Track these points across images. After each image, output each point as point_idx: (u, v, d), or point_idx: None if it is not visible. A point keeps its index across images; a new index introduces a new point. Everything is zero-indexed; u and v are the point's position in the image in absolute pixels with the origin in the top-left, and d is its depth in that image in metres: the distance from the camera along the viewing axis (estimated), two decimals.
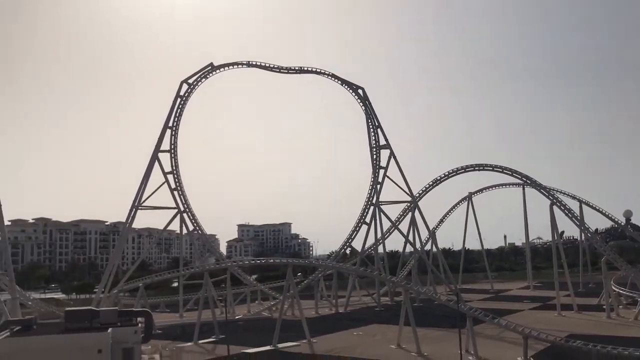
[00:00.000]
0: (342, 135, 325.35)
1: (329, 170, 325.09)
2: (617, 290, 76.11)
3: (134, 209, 80.00)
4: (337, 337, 58.06)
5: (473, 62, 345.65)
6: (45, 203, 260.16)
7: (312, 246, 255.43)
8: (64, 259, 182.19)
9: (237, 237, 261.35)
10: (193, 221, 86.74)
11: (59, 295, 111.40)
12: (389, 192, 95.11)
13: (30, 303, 76.54)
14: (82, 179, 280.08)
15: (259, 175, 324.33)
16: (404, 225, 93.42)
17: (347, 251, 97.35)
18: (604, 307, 70.22)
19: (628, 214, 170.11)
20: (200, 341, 56.00)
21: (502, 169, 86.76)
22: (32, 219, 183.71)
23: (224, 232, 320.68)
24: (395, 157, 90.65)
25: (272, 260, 79.87)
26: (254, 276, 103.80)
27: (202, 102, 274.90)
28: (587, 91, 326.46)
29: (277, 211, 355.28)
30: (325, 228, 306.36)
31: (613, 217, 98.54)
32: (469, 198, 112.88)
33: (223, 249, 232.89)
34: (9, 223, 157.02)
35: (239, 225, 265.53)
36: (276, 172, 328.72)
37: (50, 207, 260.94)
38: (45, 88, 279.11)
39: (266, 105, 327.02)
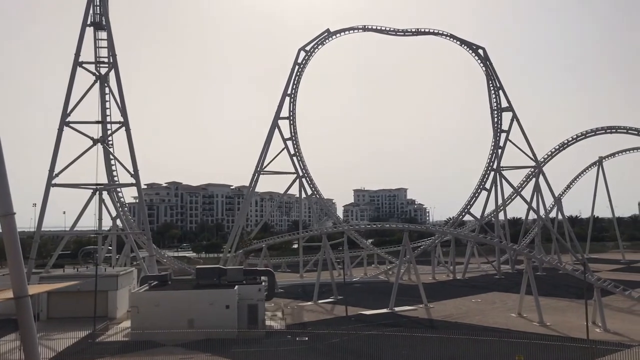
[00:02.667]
0: (461, 98, 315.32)
1: (447, 135, 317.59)
2: None
3: (256, 174, 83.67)
4: (454, 303, 57.62)
5: (603, 19, 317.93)
6: (176, 168, 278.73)
7: (428, 212, 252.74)
8: (194, 220, 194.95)
9: (353, 201, 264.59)
10: (311, 185, 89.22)
11: (190, 254, 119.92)
12: (511, 157, 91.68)
13: (165, 260, 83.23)
14: (210, 147, 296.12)
15: (375, 141, 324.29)
16: (527, 192, 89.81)
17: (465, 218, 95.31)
18: None
19: None
20: (320, 301, 58.03)
21: (638, 131, 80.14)
22: (165, 183, 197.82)
23: (341, 197, 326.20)
24: (518, 120, 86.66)
25: (388, 225, 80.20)
26: (370, 240, 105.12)
27: (317, 68, 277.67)
28: None
29: (393, 176, 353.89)
30: (443, 194, 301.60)
31: None
32: (599, 162, 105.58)
33: (340, 213, 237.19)
34: (145, 187, 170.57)
35: (355, 190, 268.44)
36: (392, 137, 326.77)
37: (181, 172, 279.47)
38: (176, 61, 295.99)
39: (381, 69, 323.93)
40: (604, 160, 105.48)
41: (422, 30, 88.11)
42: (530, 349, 32.17)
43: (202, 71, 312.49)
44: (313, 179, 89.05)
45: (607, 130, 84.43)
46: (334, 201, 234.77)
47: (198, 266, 57.30)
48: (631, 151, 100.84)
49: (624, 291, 45.47)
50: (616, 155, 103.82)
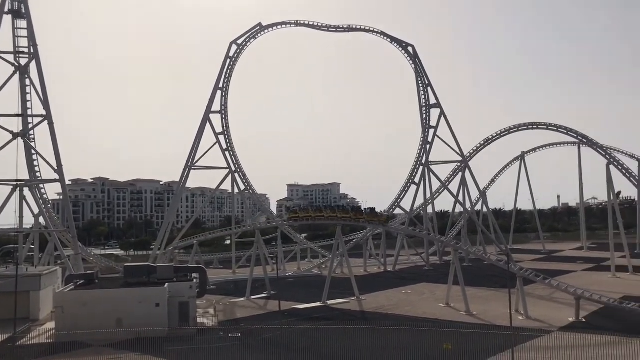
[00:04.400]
0: (393, 94, 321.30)
1: (377, 131, 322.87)
2: None
3: (187, 169, 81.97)
4: (385, 295, 58.82)
5: (523, 19, 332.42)
6: (103, 164, 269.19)
7: (360, 206, 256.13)
8: (122, 217, 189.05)
9: (286, 196, 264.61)
10: (244, 181, 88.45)
11: (118, 252, 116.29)
12: (439, 152, 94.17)
13: (91, 259, 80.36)
14: (138, 141, 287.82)
15: (308, 136, 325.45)
16: (454, 186, 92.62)
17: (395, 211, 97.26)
18: None
19: None
20: (253, 297, 57.76)
21: (557, 128, 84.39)
22: (91, 179, 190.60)
23: (274, 191, 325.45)
24: (445, 117, 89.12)
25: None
26: (304, 235, 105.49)
27: (250, 63, 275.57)
28: None
29: (327, 171, 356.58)
30: (374, 188, 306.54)
31: None
32: (521, 157, 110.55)
33: (274, 208, 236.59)
34: (70, 183, 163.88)
35: (289, 185, 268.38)
36: (324, 132, 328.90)
37: (108, 167, 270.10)
38: (104, 53, 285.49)
39: (312, 65, 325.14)
40: (526, 155, 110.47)
41: (354, 26, 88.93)
42: (457, 337, 33.29)
43: (131, 63, 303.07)
44: (246, 174, 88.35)
45: (529, 127, 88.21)
46: (267, 196, 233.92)
47: (126, 264, 55.67)
48: (551, 146, 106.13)
49: (544, 280, 47.82)
50: (537, 150, 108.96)
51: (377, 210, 63.03)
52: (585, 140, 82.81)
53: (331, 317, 45.60)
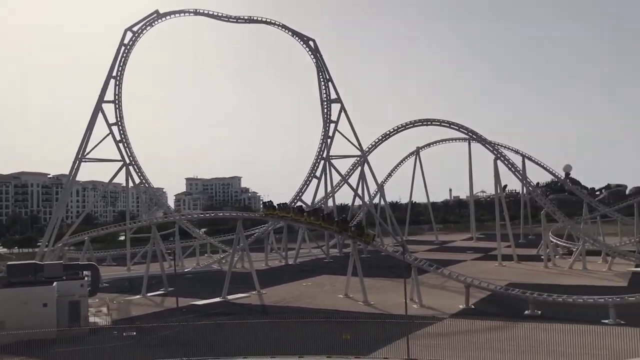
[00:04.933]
0: (294, 88, 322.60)
1: (280, 125, 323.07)
2: (554, 241, 79.99)
3: (77, 162, 77.52)
4: (286, 288, 58.95)
5: (426, 12, 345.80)
6: None
7: (262, 200, 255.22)
8: (5, 212, 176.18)
9: (185, 190, 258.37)
10: (139, 174, 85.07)
11: (0, 250, 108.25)
12: (339, 146, 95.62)
13: None
14: (22, 132, 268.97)
15: (208, 128, 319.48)
16: (354, 179, 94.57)
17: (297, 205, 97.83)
18: (542, 257, 73.75)
19: (567, 169, 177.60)
20: (149, 294, 55.80)
21: (449, 124, 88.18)
22: None
23: (172, 185, 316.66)
24: (345, 111, 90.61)
25: (221, 214, 79.49)
26: (203, 230, 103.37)
27: (147, 51, 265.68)
28: (528, 50, 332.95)
29: (228, 165, 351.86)
30: (276, 182, 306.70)
31: (553, 172, 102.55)
32: (416, 152, 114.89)
33: (171, 202, 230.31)
34: None
35: (187, 179, 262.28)
36: (224, 125, 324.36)
37: None
38: None
39: (213, 56, 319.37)
40: (420, 150, 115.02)
41: (255, 18, 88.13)
42: (355, 327, 33.91)
43: (20, 47, 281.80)
44: (141, 167, 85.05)
45: (424, 123, 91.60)
46: (164, 190, 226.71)
47: (9, 262, 51.74)
48: (444, 142, 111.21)
49: (437, 269, 49.93)
50: (431, 145, 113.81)
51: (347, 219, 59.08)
52: (475, 137, 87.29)
53: (231, 312, 44.98)
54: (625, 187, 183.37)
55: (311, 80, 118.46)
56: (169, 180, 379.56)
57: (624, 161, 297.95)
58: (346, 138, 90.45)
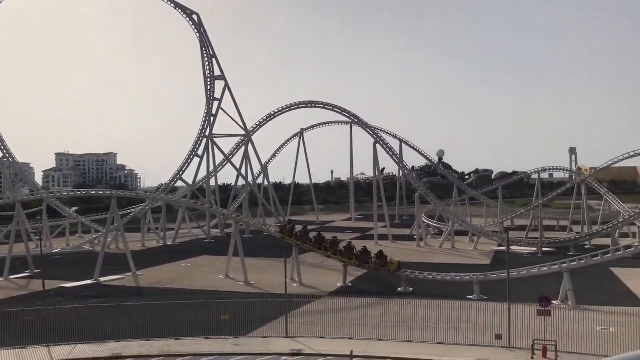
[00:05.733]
0: (175, 64, 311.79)
1: (160, 101, 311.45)
2: (427, 222, 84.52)
3: None
4: (163, 269, 57.31)
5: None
6: None
7: (140, 178, 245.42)
8: None
9: (55, 166, 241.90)
10: (2, 148, 78.23)
11: None
12: (223, 125, 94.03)
13: None
14: None
15: (80, 101, 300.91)
16: (237, 159, 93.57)
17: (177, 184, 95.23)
18: (415, 237, 77.66)
19: (440, 154, 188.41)
20: (12, 276, 51.81)
21: (332, 107, 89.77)
22: None
23: (40, 161, 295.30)
24: (230, 90, 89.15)
25: (94, 192, 75.14)
26: (75, 208, 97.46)
27: (16, 17, 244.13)
28: (405, 36, 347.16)
29: (103, 141, 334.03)
30: (156, 160, 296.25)
31: (428, 156, 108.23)
32: (300, 134, 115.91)
33: (39, 179, 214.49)
34: None
35: (57, 154, 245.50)
36: (102, 98, 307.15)
37: None
38: None
39: (93, 26, 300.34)
40: (304, 132, 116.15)
41: None
42: (235, 307, 33.67)
43: None
44: (5, 140, 78.21)
45: (309, 105, 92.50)
46: (31, 165, 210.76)
47: None
48: (327, 125, 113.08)
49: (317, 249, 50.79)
50: (315, 127, 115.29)
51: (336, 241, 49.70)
52: (356, 120, 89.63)
53: (104, 295, 42.90)
54: (492, 172, 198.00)
55: (195, 56, 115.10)
56: (37, 155, 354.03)
57: (491, 148, 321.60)
58: (230, 117, 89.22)
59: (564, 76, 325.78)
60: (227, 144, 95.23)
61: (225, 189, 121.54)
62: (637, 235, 71.35)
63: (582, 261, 39.75)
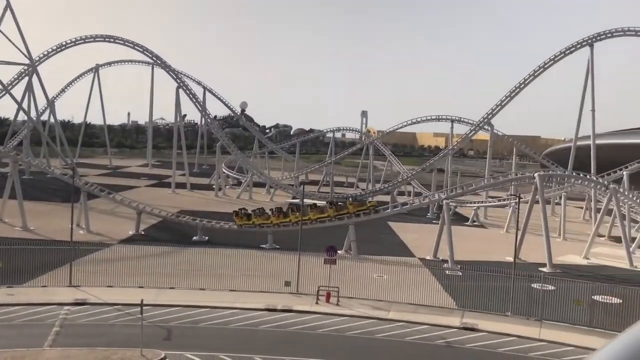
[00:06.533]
0: None
1: None
2: (226, 172, 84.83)
3: None
4: None
5: None
6: None
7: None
8: None
9: None
10: None
11: None
12: (1, 50, 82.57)
13: None
14: None
15: None
16: (18, 91, 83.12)
17: None
18: (214, 186, 77.57)
19: (244, 105, 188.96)
20: None
21: (134, 45, 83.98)
22: None
23: None
24: (11, 9, 78.19)
25: None
26: None
27: None
28: None
29: None
30: None
31: (231, 107, 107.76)
32: (95, 70, 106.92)
33: None
34: None
35: None
36: None
37: None
38: None
39: None
40: (100, 68, 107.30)
41: None
42: (10, 255, 30.46)
43: None
44: None
45: (106, 39, 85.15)
46: None
47: None
48: (127, 63, 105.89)
49: (108, 195, 48.08)
50: (112, 64, 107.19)
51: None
52: (159, 62, 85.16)
53: None
54: (291, 127, 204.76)
55: None
56: None
57: (291, 106, 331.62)
58: (11, 41, 78.52)
59: (363, 46, 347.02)
60: (5, 73, 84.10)
61: (1, 124, 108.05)
62: (412, 193, 79.87)
63: (365, 215, 43.36)
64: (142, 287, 29.11)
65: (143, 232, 45.69)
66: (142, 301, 22.46)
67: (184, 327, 24.82)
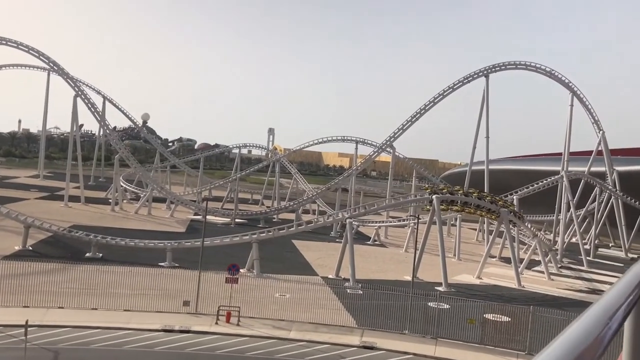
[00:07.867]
0: None
1: None
2: (124, 185, 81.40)
3: None
4: None
5: None
6: None
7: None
8: None
9: None
10: None
11: None
12: None
13: None
14: None
15: None
16: None
17: None
18: (110, 200, 74.11)
19: (145, 117, 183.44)
20: None
21: (29, 49, 79.10)
22: None
23: None
24: None
25: None
26: None
27: None
28: None
29: None
30: None
31: (132, 118, 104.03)
32: None
33: None
34: None
35: None
36: None
37: None
38: None
39: None
40: None
41: None
42: None
43: None
44: None
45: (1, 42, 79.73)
46: None
47: None
48: (18, 67, 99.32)
49: None
50: (3, 68, 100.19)
51: None
52: (56, 68, 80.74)
53: None
54: (195, 142, 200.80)
55: None
56: None
57: (196, 120, 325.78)
58: None
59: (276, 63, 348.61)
60: None
61: None
62: (317, 212, 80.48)
63: (270, 233, 43.08)
64: (27, 306, 27.09)
65: (31, 248, 42.65)
66: (26, 322, 20.84)
67: (74, 349, 23.30)
